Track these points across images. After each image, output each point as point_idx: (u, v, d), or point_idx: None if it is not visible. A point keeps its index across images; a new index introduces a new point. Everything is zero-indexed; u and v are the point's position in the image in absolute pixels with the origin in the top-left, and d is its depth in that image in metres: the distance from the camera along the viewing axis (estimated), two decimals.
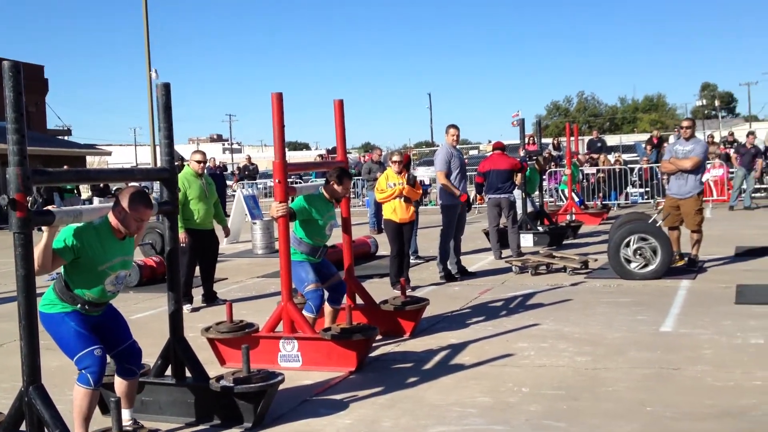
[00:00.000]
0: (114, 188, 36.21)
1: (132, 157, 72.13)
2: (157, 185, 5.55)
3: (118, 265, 4.44)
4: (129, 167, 26.87)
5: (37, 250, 4.06)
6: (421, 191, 10.02)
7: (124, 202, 4.38)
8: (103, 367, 4.32)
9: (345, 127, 7.36)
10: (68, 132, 46.77)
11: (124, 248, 4.49)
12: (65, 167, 22.68)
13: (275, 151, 6.27)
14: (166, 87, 5.02)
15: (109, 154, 44.93)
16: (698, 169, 9.90)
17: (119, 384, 4.65)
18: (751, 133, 20.65)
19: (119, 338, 4.59)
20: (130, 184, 5.27)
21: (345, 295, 7.05)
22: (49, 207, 4.22)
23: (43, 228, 4.10)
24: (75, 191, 26.29)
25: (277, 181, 6.30)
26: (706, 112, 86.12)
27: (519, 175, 13.17)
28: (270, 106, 6.16)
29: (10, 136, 3.91)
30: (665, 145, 22.78)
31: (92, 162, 45.41)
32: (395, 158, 9.66)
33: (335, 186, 6.71)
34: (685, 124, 10.40)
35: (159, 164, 5.10)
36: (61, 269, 4.36)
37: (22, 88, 3.92)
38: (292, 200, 6.72)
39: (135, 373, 4.67)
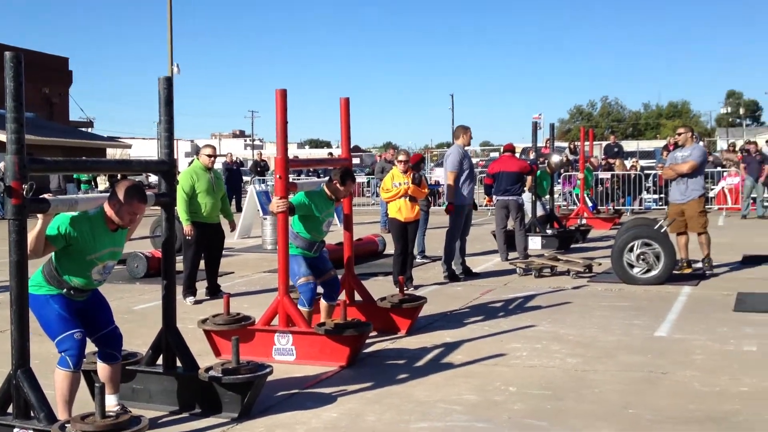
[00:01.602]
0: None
1: (153, 150, 72.52)
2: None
3: (106, 256, 4.57)
4: (128, 158, 27.06)
5: (31, 236, 4.20)
6: (426, 191, 10.08)
7: (120, 194, 4.50)
8: (82, 350, 4.45)
9: (350, 126, 7.44)
10: (90, 124, 47.23)
11: (115, 239, 4.62)
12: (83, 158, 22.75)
13: (277, 146, 6.38)
14: (168, 81, 5.13)
15: (129, 146, 45.35)
16: (697, 172, 10.00)
17: (102, 369, 4.79)
18: (754, 142, 20.57)
19: (101, 323, 4.72)
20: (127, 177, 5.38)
21: (342, 291, 7.15)
22: (45, 195, 4.35)
23: (38, 215, 4.23)
24: (92, 183, 26.58)
25: (278, 176, 6.40)
26: (730, 120, 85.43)
27: (529, 178, 13.20)
28: (285, 104, 6.29)
29: (8, 125, 4.04)
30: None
31: (113, 154, 45.86)
32: (401, 158, 9.73)
33: (338, 185, 6.79)
34: (678, 130, 10.53)
35: (158, 156, 5.20)
36: (51, 254, 4.49)
37: (22, 78, 4.04)
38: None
39: (116, 357, 4.80)
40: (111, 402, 4.73)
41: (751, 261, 11.13)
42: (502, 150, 13.28)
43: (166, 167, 5.14)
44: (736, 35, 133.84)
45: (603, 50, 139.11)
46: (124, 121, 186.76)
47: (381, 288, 9.14)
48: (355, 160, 46.39)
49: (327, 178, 6.99)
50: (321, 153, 69.08)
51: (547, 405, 5.16)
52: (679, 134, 10.36)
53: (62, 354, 4.44)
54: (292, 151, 73.47)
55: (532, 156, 13.79)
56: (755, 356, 6.22)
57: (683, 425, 4.74)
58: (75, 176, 28.05)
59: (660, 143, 37.92)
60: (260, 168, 24.59)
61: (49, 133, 33.06)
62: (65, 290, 4.50)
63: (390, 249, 11.34)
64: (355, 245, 11.64)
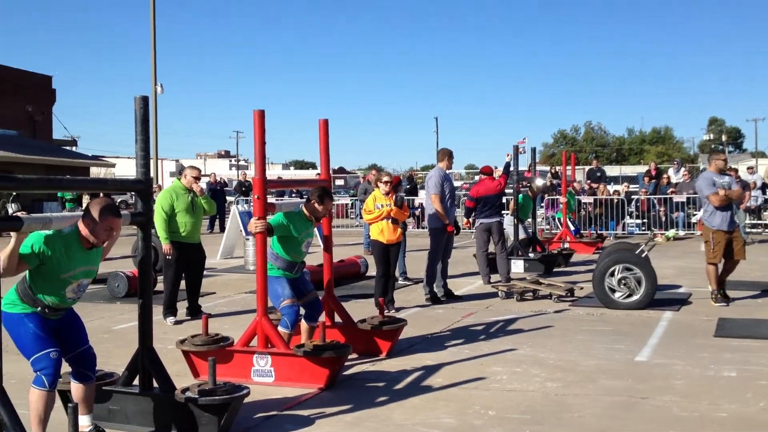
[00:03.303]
0: (119, 200, 36.46)
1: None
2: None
3: (80, 274, 4.52)
4: (103, 177, 26.95)
5: (4, 254, 4.15)
6: (408, 213, 10.08)
7: (95, 213, 4.47)
8: (58, 369, 4.39)
9: (329, 146, 7.45)
10: (74, 143, 47.01)
11: (90, 258, 4.57)
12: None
13: (255, 167, 6.36)
14: (144, 100, 5.11)
15: (113, 165, 45.18)
16: None
17: (76, 388, 4.72)
18: (735, 169, 20.73)
19: (76, 342, 4.67)
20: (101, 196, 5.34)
21: (323, 313, 7.10)
22: (18, 213, 4.30)
23: (11, 233, 4.18)
24: (77, 202, 26.45)
25: (256, 197, 6.38)
26: (713, 146, 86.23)
27: (512, 202, 13.19)
28: (263, 124, 6.28)
29: None
30: (665, 176, 22.83)
31: (97, 173, 45.67)
32: (384, 179, 9.71)
33: (316, 205, 6.77)
34: (724, 157, 10.24)
35: (135, 176, 5.16)
36: (25, 273, 4.44)
37: None
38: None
39: (90, 377, 4.74)
40: (85, 422, 4.68)
41: (733, 287, 11.14)
42: (479, 172, 13.29)
43: (142, 186, 5.10)
44: (720, 63, 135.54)
45: (587, 75, 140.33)
46: (109, 140, 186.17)
47: (363, 310, 9.10)
48: (339, 182, 46.49)
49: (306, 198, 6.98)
50: (307, 174, 69.13)
51: (525, 429, 5.13)
52: (725, 161, 10.11)
53: (38, 373, 4.38)
54: (277, 172, 73.26)
55: (508, 158, 13.58)
56: (735, 382, 6.22)
57: None
58: (59, 195, 27.94)
59: (643, 168, 38.21)
60: (245, 188, 24.56)
61: (33, 151, 32.92)
62: (39, 309, 4.45)
63: (372, 271, 11.35)
64: (338, 267, 11.67)
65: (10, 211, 22.32)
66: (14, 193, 22.79)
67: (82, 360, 4.69)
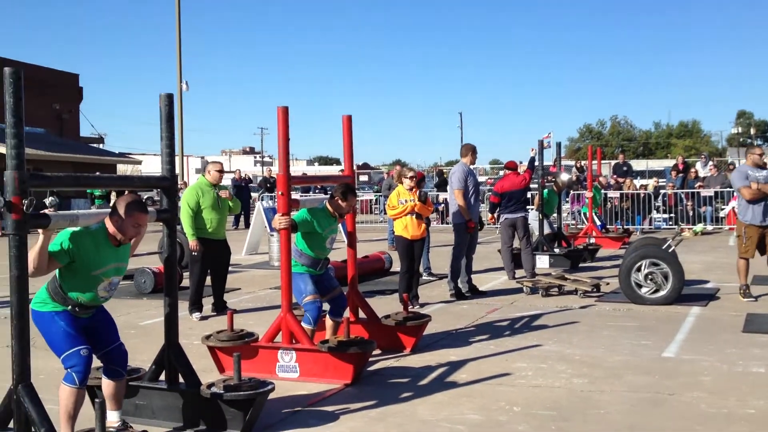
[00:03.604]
0: (145, 197, 36.78)
1: None
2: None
3: (111, 271, 4.56)
4: (129, 175, 26.95)
5: (33, 253, 4.19)
6: (432, 208, 10.06)
7: (121, 210, 4.50)
8: (88, 366, 4.44)
9: (353, 142, 7.44)
10: (101, 140, 47.58)
11: (119, 255, 4.61)
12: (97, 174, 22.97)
13: (279, 163, 6.39)
14: (169, 98, 5.14)
15: (139, 163, 45.59)
16: None
17: (106, 385, 4.77)
18: (764, 162, 20.39)
19: (107, 339, 4.71)
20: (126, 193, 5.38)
21: (347, 309, 7.11)
22: (45, 211, 4.35)
23: (40, 231, 4.22)
24: (106, 198, 26.74)
25: (280, 193, 6.40)
26: (741, 139, 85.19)
27: (537, 197, 13.13)
28: (287, 121, 6.29)
29: (8, 140, 4.03)
30: (692, 170, 22.58)
31: (124, 170, 46.15)
32: (408, 175, 9.67)
33: (340, 201, 6.78)
34: (758, 151, 10.04)
35: (161, 173, 5.19)
36: (55, 271, 4.48)
37: (22, 94, 4.04)
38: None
39: (121, 374, 4.78)
40: (113, 418, 4.72)
41: (761, 282, 11.01)
42: (504, 167, 13.22)
43: (168, 183, 5.13)
44: (747, 55, 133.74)
45: (614, 69, 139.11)
46: (135, 137, 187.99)
47: (387, 306, 9.10)
48: (364, 178, 46.52)
49: (330, 194, 7.00)
50: (331, 170, 69.15)
51: (551, 425, 5.10)
52: (761, 155, 9.89)
53: (68, 370, 4.42)
54: (301, 168, 73.36)
55: (532, 153, 13.47)
56: (763, 378, 6.14)
57: None
58: (89, 191, 28.26)
59: (670, 162, 37.81)
60: (270, 184, 24.66)
61: (60, 148, 33.35)
62: (70, 307, 4.49)
63: (396, 266, 11.35)
64: (362, 262, 11.69)
65: (47, 202, 22.63)
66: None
67: (113, 357, 4.73)
